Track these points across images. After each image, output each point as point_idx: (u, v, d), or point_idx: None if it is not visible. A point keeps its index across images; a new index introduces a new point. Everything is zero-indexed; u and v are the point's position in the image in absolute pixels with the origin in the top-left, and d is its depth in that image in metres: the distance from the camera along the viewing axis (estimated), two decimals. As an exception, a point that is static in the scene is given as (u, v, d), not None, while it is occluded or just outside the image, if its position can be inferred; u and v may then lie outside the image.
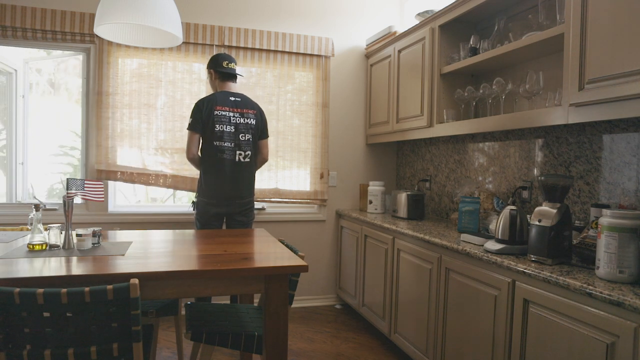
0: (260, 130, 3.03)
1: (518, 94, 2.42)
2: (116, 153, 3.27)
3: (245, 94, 3.06)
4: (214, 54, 3.07)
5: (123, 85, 3.28)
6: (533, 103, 2.31)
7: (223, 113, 2.87)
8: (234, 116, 2.90)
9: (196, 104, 2.90)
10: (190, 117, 2.89)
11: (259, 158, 3.08)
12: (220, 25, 3.46)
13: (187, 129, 2.90)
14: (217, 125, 2.86)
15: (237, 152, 2.90)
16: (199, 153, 2.93)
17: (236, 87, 3.04)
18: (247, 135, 2.93)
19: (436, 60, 2.82)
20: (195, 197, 2.99)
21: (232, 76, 2.99)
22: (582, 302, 1.48)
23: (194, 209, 3.00)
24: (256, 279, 1.75)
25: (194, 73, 3.41)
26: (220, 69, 2.95)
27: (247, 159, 2.94)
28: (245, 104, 2.97)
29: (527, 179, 2.50)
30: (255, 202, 3.54)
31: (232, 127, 2.89)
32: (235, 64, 3.01)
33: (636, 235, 1.47)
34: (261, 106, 3.41)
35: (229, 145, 2.88)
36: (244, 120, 2.92)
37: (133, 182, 3.30)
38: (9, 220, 3.12)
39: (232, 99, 2.93)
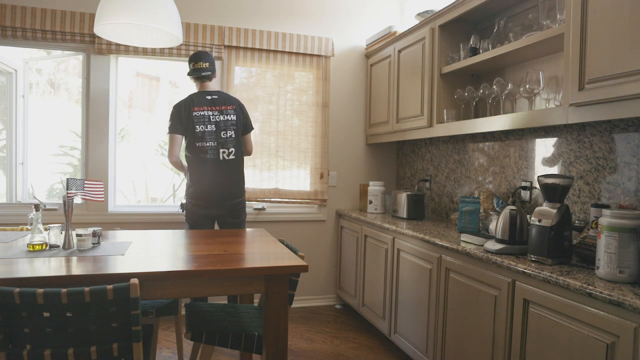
0: (243, 125, 2.97)
1: (518, 94, 2.42)
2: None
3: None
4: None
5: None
6: (533, 103, 2.31)
7: (202, 113, 2.84)
8: (213, 114, 2.85)
9: (174, 107, 2.86)
10: (169, 121, 2.85)
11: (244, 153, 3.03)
12: (220, 25, 3.46)
13: (167, 132, 2.86)
14: (197, 126, 2.82)
15: (221, 151, 2.86)
16: (186, 155, 2.91)
17: (214, 84, 2.98)
18: (228, 132, 2.88)
19: (436, 60, 2.82)
20: (184, 199, 2.97)
21: (204, 76, 2.92)
22: (582, 302, 1.48)
23: (182, 211, 2.99)
24: (256, 279, 1.75)
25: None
26: (190, 72, 2.91)
27: (231, 157, 2.88)
28: (223, 101, 2.90)
29: (527, 179, 2.50)
30: (255, 202, 3.55)
31: (213, 125, 2.84)
32: (206, 62, 2.89)
33: (636, 235, 1.47)
34: (261, 106, 3.41)
35: (212, 144, 2.84)
36: (224, 117, 2.87)
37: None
38: (9, 220, 3.13)
39: (209, 97, 2.89)
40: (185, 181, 2.99)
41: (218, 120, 2.85)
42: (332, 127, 3.80)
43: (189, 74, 2.94)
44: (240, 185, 2.97)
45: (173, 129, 2.84)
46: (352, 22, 3.80)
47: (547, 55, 2.31)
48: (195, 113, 2.83)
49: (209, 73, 2.92)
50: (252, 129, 3.07)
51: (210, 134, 2.84)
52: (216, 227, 3.08)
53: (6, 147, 3.33)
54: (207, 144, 2.83)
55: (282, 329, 1.77)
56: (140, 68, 3.65)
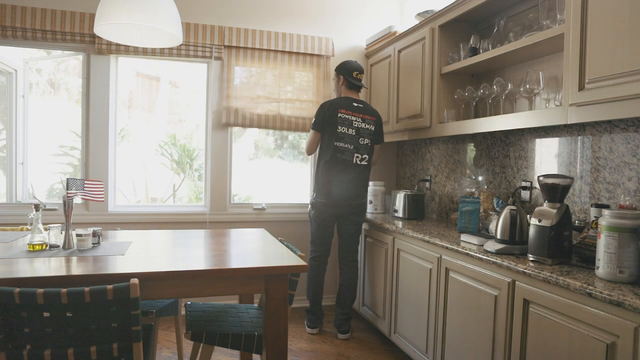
0: (378, 135, 3.13)
1: (518, 94, 2.42)
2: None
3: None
4: (345, 60, 3.22)
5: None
6: (533, 103, 2.31)
7: (346, 116, 3.02)
8: (356, 120, 3.03)
9: (320, 106, 3.08)
10: (314, 117, 3.07)
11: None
12: (220, 25, 3.46)
13: (311, 128, 3.09)
14: (340, 127, 3.01)
15: (355, 155, 3.04)
16: (322, 153, 3.09)
17: (359, 95, 3.18)
18: (366, 139, 3.06)
19: (436, 60, 2.82)
20: (313, 198, 3.11)
21: (358, 87, 3.13)
22: (582, 302, 1.48)
23: (311, 210, 3.14)
24: (256, 279, 1.75)
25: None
26: (350, 79, 3.10)
27: (364, 162, 3.07)
28: (367, 111, 3.09)
29: (527, 179, 2.50)
30: (255, 202, 3.55)
31: (354, 130, 3.03)
32: (363, 73, 3.13)
33: (636, 235, 1.47)
34: (261, 106, 3.43)
35: (349, 147, 3.02)
36: (365, 126, 3.05)
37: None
38: (9, 220, 3.13)
39: (355, 104, 3.08)
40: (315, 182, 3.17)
41: (359, 127, 3.04)
42: (332, 127, 3.79)
43: (350, 81, 3.10)
44: (366, 188, 3.15)
45: (315, 126, 3.07)
46: (352, 22, 3.80)
47: (547, 55, 2.31)
48: (340, 115, 3.02)
49: (363, 86, 3.18)
50: (383, 142, 3.22)
51: (350, 137, 3.02)
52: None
53: (6, 147, 3.33)
54: (345, 145, 3.02)
55: (282, 329, 1.77)
56: (140, 68, 3.65)
